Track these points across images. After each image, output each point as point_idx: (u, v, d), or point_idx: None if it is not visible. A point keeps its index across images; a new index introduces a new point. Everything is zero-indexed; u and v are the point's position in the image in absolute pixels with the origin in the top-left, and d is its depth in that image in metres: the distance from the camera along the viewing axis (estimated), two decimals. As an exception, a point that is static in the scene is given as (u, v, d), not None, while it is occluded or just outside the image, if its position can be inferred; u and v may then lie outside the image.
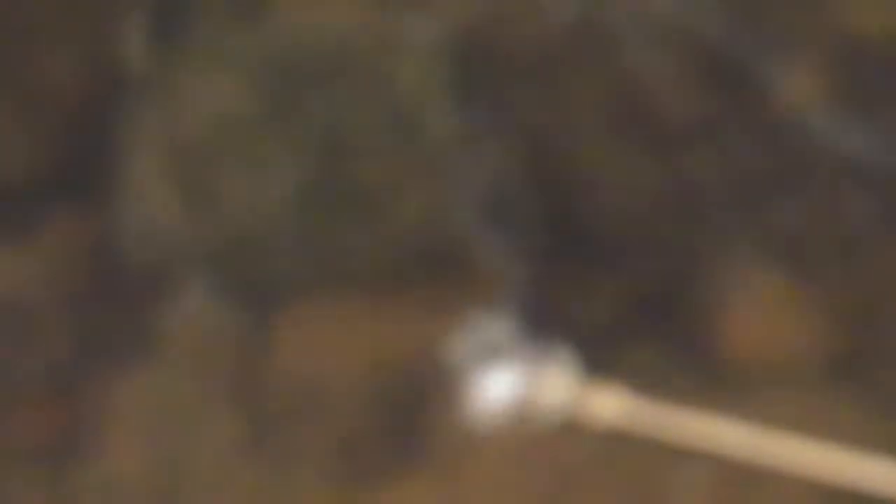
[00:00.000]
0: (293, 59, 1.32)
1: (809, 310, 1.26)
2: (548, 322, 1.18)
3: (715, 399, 1.11)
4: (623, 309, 1.23)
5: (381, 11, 1.39)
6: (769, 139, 1.37)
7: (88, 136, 1.36)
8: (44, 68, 1.40)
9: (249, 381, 1.20)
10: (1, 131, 1.39)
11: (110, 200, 1.30)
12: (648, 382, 1.10)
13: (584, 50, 1.40)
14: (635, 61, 1.35)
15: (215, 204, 1.31)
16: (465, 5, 1.40)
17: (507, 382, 1.06)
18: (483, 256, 1.27)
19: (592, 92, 1.39)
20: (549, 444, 1.10)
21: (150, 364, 1.18)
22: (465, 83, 1.40)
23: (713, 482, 1.08)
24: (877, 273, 1.29)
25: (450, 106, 1.40)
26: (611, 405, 1.02)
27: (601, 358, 1.11)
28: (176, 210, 1.26)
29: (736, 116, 1.38)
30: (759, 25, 1.41)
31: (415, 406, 1.13)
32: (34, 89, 1.38)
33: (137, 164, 1.30)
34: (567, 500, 1.14)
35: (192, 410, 1.20)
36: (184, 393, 1.18)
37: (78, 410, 1.16)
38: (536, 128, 1.41)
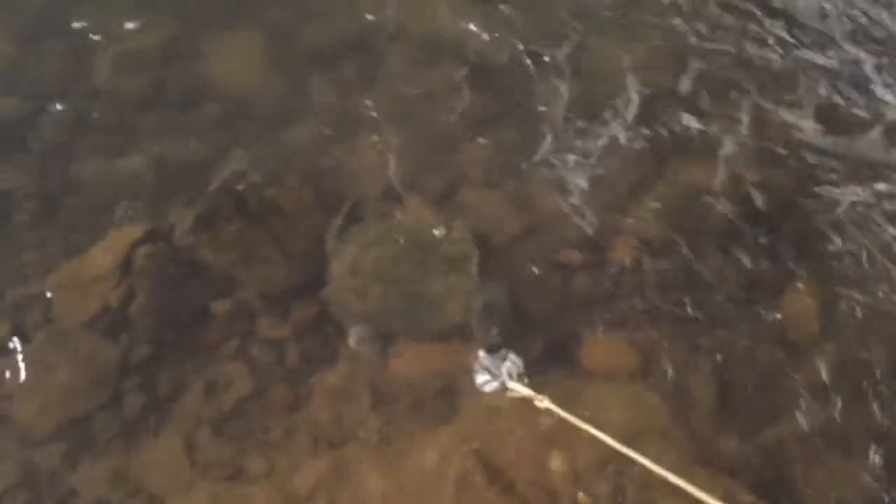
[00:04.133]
0: (394, 238, 3.07)
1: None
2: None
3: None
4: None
5: (438, 214, 3.19)
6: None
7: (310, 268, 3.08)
8: (290, 243, 3.18)
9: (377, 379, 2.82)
10: (274, 271, 3.14)
11: (323, 294, 2.97)
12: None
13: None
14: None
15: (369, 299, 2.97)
16: (482, 216, 3.27)
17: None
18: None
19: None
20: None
21: (339, 365, 2.86)
22: (481, 258, 3.10)
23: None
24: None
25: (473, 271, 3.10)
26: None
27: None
28: (348, 295, 2.97)
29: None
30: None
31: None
32: (286, 250, 3.13)
33: (336, 274, 3.01)
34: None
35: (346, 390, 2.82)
36: (348, 383, 2.84)
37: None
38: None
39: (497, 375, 2.65)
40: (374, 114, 3.52)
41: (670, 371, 2.88)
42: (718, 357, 2.94)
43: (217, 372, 2.75)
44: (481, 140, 3.49)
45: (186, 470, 2.53)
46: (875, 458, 2.74)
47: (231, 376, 2.73)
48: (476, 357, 2.73)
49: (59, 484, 2.49)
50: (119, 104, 3.44)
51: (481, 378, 2.68)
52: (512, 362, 2.67)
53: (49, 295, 2.83)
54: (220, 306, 2.85)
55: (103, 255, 2.85)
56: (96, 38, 3.65)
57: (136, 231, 2.89)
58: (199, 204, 2.95)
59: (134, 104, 3.46)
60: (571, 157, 3.45)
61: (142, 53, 3.59)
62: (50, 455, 2.54)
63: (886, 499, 2.63)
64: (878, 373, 2.96)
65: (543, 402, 2.42)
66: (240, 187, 2.98)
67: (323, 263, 2.95)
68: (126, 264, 2.80)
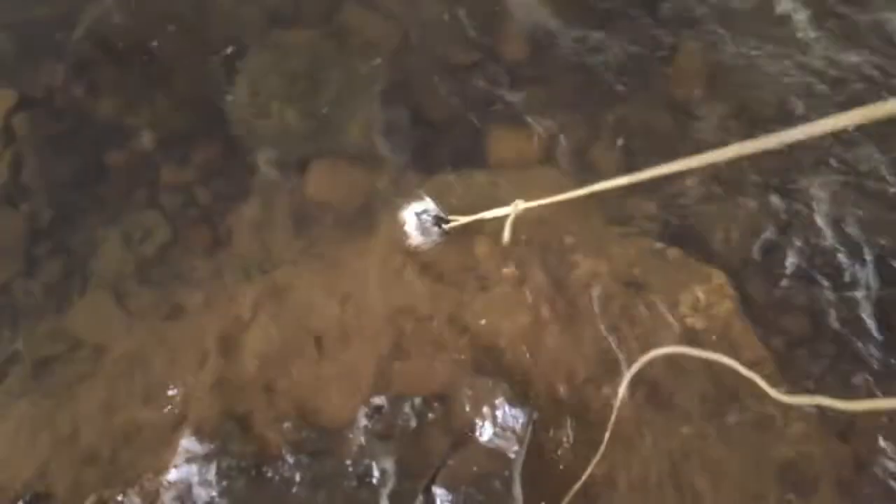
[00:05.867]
0: (288, 62, 3.18)
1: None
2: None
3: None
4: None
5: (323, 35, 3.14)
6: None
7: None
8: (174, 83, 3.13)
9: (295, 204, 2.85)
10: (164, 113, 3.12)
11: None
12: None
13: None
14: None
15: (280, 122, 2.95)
16: (367, 33, 3.34)
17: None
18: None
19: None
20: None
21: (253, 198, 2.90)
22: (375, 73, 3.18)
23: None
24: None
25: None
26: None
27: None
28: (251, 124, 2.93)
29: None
30: None
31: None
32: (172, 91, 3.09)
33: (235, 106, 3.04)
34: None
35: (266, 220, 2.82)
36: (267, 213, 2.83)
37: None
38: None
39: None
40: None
41: (575, 150, 3.03)
42: (618, 129, 3.11)
43: (129, 224, 2.73)
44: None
45: (122, 318, 2.57)
46: (759, 194, 3.00)
47: (145, 226, 2.72)
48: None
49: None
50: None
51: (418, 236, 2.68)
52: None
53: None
54: (116, 158, 2.78)
55: (-21, 130, 2.71)
56: None
57: (8, 98, 2.74)
58: (66, 57, 2.80)
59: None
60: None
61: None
62: (-20, 325, 2.55)
63: (769, 229, 2.92)
64: (764, 113, 3.18)
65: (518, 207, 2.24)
66: (104, 32, 2.82)
67: (216, 99, 2.89)
68: (6, 133, 2.68)
